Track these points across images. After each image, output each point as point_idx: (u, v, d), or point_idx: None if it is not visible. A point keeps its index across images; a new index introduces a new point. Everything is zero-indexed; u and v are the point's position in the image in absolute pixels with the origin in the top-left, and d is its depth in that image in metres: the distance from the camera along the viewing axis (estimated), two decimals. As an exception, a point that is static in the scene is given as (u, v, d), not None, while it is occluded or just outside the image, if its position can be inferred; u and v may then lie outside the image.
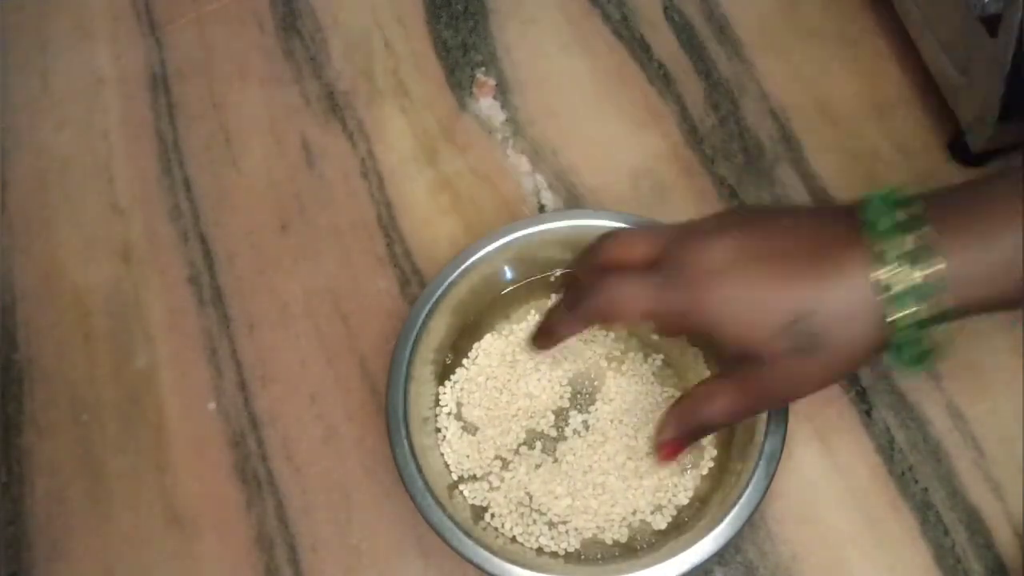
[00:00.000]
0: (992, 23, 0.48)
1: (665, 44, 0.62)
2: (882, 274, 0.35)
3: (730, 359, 0.39)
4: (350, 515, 0.51)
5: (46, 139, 0.63)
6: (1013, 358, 0.50)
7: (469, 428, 0.50)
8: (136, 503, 0.52)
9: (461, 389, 0.51)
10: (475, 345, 0.52)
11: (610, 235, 0.43)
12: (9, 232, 0.60)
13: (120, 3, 0.67)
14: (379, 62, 0.63)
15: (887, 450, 0.50)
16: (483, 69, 0.62)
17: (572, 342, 0.50)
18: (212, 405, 0.54)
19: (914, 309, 0.35)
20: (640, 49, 0.62)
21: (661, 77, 0.61)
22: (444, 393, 0.51)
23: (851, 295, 0.35)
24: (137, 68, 0.65)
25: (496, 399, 0.50)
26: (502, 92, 0.61)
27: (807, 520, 0.49)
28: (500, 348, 0.52)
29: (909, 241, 0.35)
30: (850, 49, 0.60)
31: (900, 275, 0.35)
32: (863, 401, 0.51)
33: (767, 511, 0.49)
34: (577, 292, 0.43)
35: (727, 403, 0.40)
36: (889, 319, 0.35)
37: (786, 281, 0.36)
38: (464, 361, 0.51)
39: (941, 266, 0.35)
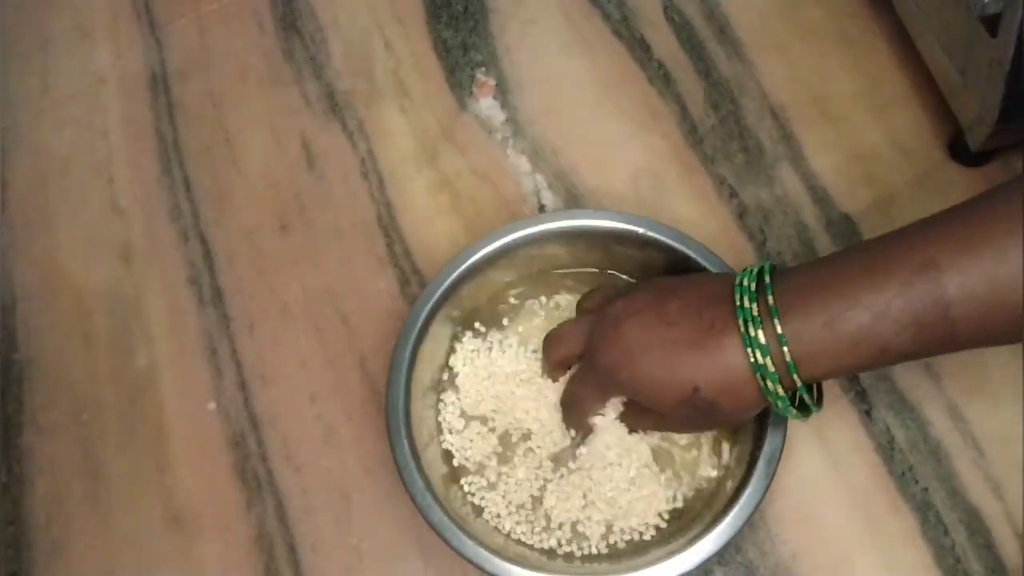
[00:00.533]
0: (992, 23, 0.48)
1: (665, 44, 0.62)
2: (748, 349, 0.40)
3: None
4: (350, 515, 0.51)
5: (46, 139, 0.63)
6: (1013, 358, 0.50)
7: (470, 424, 0.50)
8: (136, 503, 0.52)
9: (462, 386, 0.51)
10: (476, 343, 0.52)
11: (549, 337, 0.50)
12: (9, 232, 0.60)
13: (120, 3, 0.67)
14: (379, 62, 0.63)
15: (887, 450, 0.50)
16: (483, 69, 0.62)
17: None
18: (212, 405, 0.54)
19: (772, 370, 0.40)
20: (640, 49, 0.62)
21: (661, 77, 0.61)
22: (445, 390, 0.51)
23: (730, 368, 0.41)
24: (137, 68, 0.64)
25: (496, 397, 0.50)
26: (502, 92, 0.61)
27: (807, 520, 0.49)
28: (500, 345, 0.52)
29: (754, 308, 0.41)
30: (850, 49, 0.60)
31: (755, 341, 0.40)
32: (863, 401, 0.51)
33: (767, 511, 0.49)
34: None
35: (649, 425, 0.48)
36: (761, 387, 0.41)
37: (678, 364, 0.42)
38: (465, 359, 0.51)
39: (777, 328, 0.40)
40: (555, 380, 0.50)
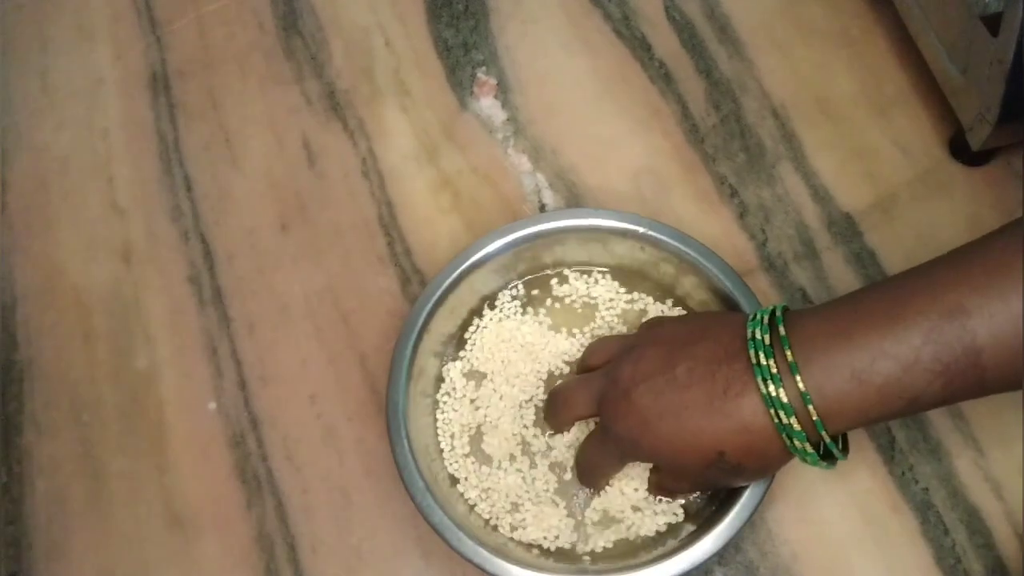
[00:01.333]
0: (993, 22, 0.48)
1: (666, 43, 0.62)
2: (770, 410, 0.39)
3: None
4: (350, 515, 0.51)
5: (46, 139, 0.63)
6: (1014, 358, 0.50)
7: (478, 383, 0.50)
8: (136, 503, 0.52)
9: (462, 378, 0.51)
10: (476, 339, 0.52)
11: (551, 398, 0.49)
12: (9, 232, 0.60)
13: (120, 3, 0.67)
14: (380, 61, 0.63)
15: (887, 450, 0.50)
16: (484, 68, 0.62)
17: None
18: (212, 405, 0.54)
19: (798, 429, 0.39)
20: (641, 48, 0.62)
21: (662, 76, 0.61)
22: (446, 380, 0.51)
23: (752, 431, 0.40)
24: (137, 68, 0.64)
25: (496, 390, 0.51)
26: (503, 91, 0.61)
27: (807, 520, 0.49)
28: (502, 338, 0.52)
29: (772, 365, 0.39)
30: (851, 48, 0.60)
31: (777, 401, 0.39)
32: (864, 401, 0.51)
33: (767, 511, 0.49)
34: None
35: (677, 491, 0.48)
36: (787, 445, 0.40)
37: (698, 431, 0.41)
38: (464, 353, 0.52)
39: (800, 385, 0.38)
40: (560, 433, 0.50)
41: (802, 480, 0.49)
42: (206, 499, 0.52)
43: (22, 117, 0.64)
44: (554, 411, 0.49)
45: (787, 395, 0.38)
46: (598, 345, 0.49)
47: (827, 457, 0.41)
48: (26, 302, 0.58)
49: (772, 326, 0.40)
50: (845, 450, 0.41)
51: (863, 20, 0.61)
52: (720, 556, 0.47)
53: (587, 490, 0.49)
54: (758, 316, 0.41)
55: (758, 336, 0.40)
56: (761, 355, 0.39)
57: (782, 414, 0.39)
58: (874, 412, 0.38)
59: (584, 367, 0.49)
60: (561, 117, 0.60)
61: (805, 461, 0.41)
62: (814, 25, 0.61)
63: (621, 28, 0.63)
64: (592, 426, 0.49)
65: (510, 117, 0.60)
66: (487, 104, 0.61)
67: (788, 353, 0.39)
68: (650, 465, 0.48)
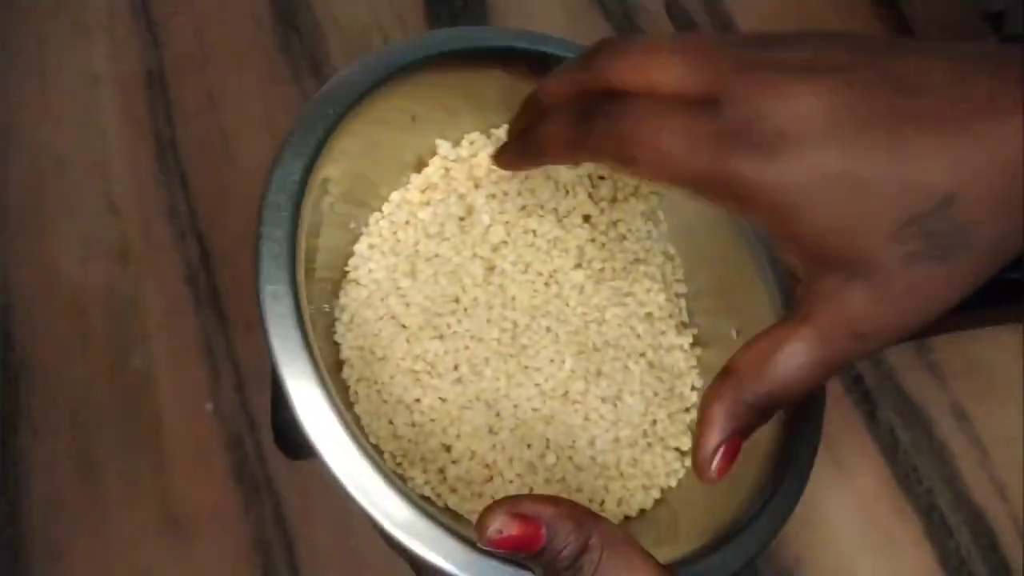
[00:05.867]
0: (997, 20, 0.47)
1: (667, 41, 0.61)
2: None
3: (808, 269, 0.28)
4: (349, 517, 0.50)
5: (42, 137, 0.62)
6: (1017, 359, 0.50)
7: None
8: (133, 504, 0.51)
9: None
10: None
11: (627, 41, 0.29)
12: (6, 231, 0.59)
13: (118, 0, 0.67)
14: (378, 59, 0.63)
15: (891, 451, 0.49)
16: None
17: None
18: (209, 406, 0.53)
19: None
20: (641, 46, 0.61)
21: (663, 74, 0.60)
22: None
23: (1016, 168, 0.24)
24: (134, 66, 0.64)
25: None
26: (502, 90, 0.61)
27: (810, 522, 0.48)
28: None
29: None
30: (853, 46, 0.60)
31: None
32: (867, 402, 0.50)
33: (770, 513, 0.48)
34: (589, 108, 0.29)
35: (810, 359, 0.27)
36: None
37: (922, 152, 0.25)
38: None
39: None
40: (509, 166, 0.34)
41: (805, 482, 0.49)
42: (203, 501, 0.51)
43: (18, 115, 0.63)
44: (593, 57, 0.30)
45: None
46: (661, 46, 0.28)
47: None
48: (22, 302, 0.57)
49: None
50: None
51: (866, 19, 0.61)
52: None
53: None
54: None
55: None
56: None
57: None
58: None
59: (599, 86, 0.29)
60: (561, 116, 0.60)
61: None
62: (816, 23, 0.61)
63: (622, 25, 0.62)
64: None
65: (510, 116, 0.60)
66: (487, 102, 0.61)
67: None
68: None
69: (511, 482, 0.36)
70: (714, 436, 0.28)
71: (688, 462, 0.39)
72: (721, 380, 0.29)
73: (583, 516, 0.27)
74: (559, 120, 0.31)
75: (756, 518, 0.34)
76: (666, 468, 0.39)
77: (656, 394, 0.40)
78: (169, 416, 0.53)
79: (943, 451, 0.49)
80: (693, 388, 0.41)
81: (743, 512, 0.34)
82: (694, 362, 0.42)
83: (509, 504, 0.27)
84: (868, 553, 0.47)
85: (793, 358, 0.27)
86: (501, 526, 0.27)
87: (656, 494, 0.39)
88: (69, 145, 0.62)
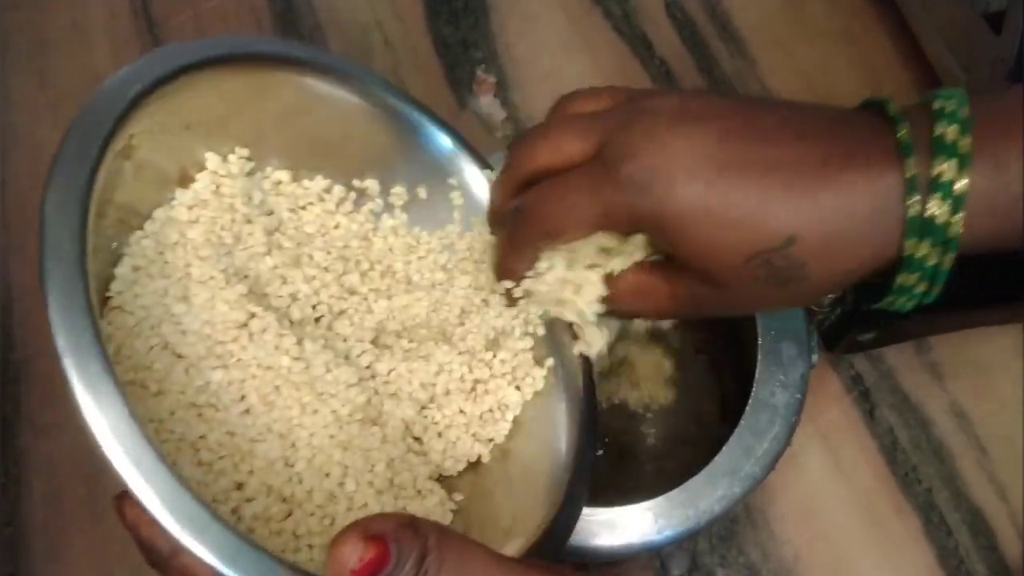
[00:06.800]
0: (996, 20, 0.48)
1: (667, 41, 0.61)
2: (909, 190, 0.29)
3: (683, 267, 0.33)
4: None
5: (44, 137, 0.62)
6: (1016, 358, 0.50)
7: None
8: (134, 504, 0.51)
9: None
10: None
11: (527, 134, 0.34)
12: (6, 231, 0.59)
13: (118, 1, 0.67)
14: (378, 59, 0.63)
15: (890, 450, 0.49)
16: (483, 66, 0.62)
17: None
18: (210, 405, 0.53)
19: (942, 224, 0.29)
20: (642, 46, 0.61)
21: (663, 74, 0.60)
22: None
23: (853, 215, 0.29)
24: (135, 66, 0.64)
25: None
26: (503, 89, 0.61)
27: (810, 520, 0.48)
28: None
29: (961, 145, 0.29)
30: (854, 47, 0.60)
31: (945, 182, 0.29)
32: (866, 401, 0.50)
33: (769, 511, 0.48)
34: (510, 217, 0.35)
35: (659, 307, 0.34)
36: (907, 247, 0.30)
37: (773, 199, 0.29)
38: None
39: (964, 182, 0.29)
40: (502, 216, 0.36)
41: (805, 480, 0.49)
42: (204, 500, 0.51)
43: (20, 115, 0.63)
44: (519, 155, 0.34)
45: (944, 178, 0.29)
46: (543, 138, 0.34)
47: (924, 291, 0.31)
48: (23, 302, 0.57)
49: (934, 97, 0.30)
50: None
51: (865, 18, 0.61)
52: (722, 557, 0.47)
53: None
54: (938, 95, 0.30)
55: (947, 108, 0.29)
56: (944, 127, 0.29)
57: (936, 201, 0.29)
58: (1005, 222, 0.29)
59: (526, 179, 0.35)
60: (561, 115, 0.60)
61: (906, 288, 0.31)
62: (816, 23, 0.61)
63: (622, 26, 0.62)
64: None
65: (510, 116, 0.60)
66: (487, 102, 0.61)
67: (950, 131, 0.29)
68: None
69: (312, 515, 0.34)
70: None
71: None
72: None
73: (416, 522, 0.28)
74: (499, 235, 0.37)
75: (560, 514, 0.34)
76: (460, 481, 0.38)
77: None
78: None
79: (942, 450, 0.49)
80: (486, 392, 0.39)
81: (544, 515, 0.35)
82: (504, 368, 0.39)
83: (358, 529, 0.27)
84: (867, 551, 0.47)
85: (647, 300, 0.34)
86: (360, 553, 0.27)
87: (452, 506, 0.37)
88: (70, 145, 0.62)
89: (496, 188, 0.37)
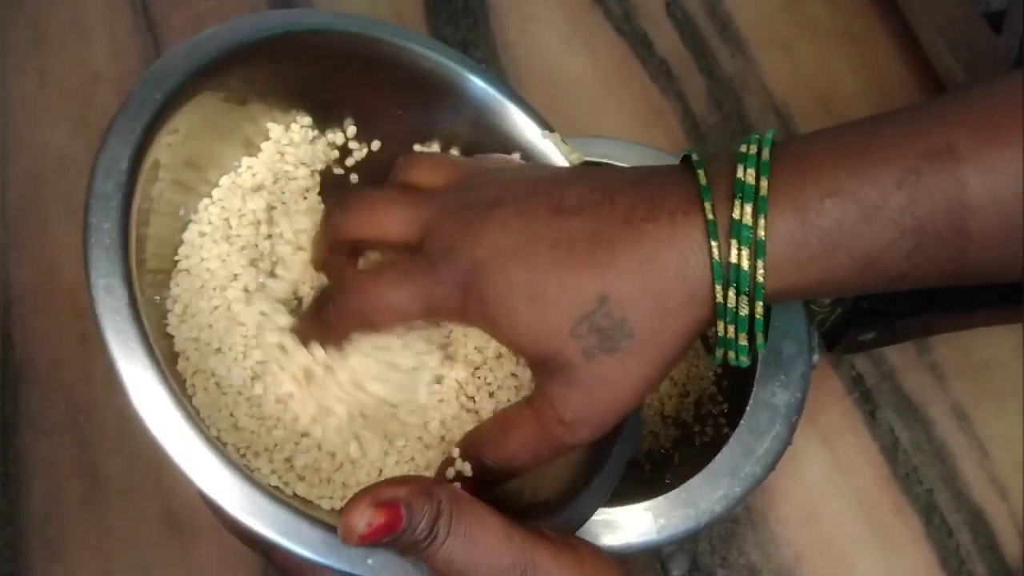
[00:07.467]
0: (996, 20, 0.47)
1: (667, 41, 0.61)
2: (709, 234, 0.29)
3: (529, 367, 0.34)
4: (349, 516, 0.50)
5: (43, 137, 0.62)
6: (1017, 358, 0.50)
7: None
8: (133, 504, 0.51)
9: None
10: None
11: (351, 202, 0.35)
12: (6, 231, 0.59)
13: (118, 1, 0.67)
14: (378, 59, 0.63)
15: (891, 451, 0.49)
16: (483, 66, 0.62)
17: None
18: (210, 405, 0.53)
19: (747, 270, 0.29)
20: (642, 46, 0.61)
21: (663, 74, 0.60)
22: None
23: (656, 263, 0.29)
24: (135, 66, 0.64)
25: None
26: (502, 89, 0.61)
27: (811, 521, 0.48)
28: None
29: (754, 180, 0.29)
30: (854, 47, 0.60)
31: (741, 223, 0.29)
32: (867, 402, 0.50)
33: (770, 512, 0.48)
34: (322, 296, 0.35)
35: (531, 439, 0.32)
36: (717, 296, 0.29)
37: (577, 266, 0.30)
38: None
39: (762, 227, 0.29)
40: (319, 268, 0.36)
41: (806, 481, 0.49)
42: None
43: (19, 115, 0.63)
44: (340, 221, 0.35)
45: (743, 222, 0.29)
46: (370, 210, 0.34)
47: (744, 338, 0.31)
48: (22, 302, 0.57)
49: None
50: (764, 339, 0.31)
51: (866, 18, 0.61)
52: (723, 558, 0.47)
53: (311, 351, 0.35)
54: (750, 139, 0.31)
55: (749, 151, 0.30)
56: (743, 170, 0.29)
57: (735, 246, 0.29)
58: (812, 270, 0.29)
59: (343, 244, 0.36)
60: (561, 115, 0.60)
61: (723, 337, 0.30)
62: (817, 23, 0.61)
63: (622, 25, 0.62)
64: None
65: (510, 115, 0.60)
66: (487, 102, 0.61)
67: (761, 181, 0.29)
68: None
69: (361, 467, 0.35)
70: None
71: None
72: (468, 442, 0.34)
73: (430, 485, 0.29)
74: (310, 315, 0.36)
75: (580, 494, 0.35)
76: None
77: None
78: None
79: (943, 451, 0.49)
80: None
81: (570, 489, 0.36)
82: None
83: (369, 496, 0.28)
84: (868, 552, 0.47)
85: (517, 437, 0.32)
86: (369, 519, 0.28)
87: None
88: (70, 145, 0.62)
89: (318, 244, 0.37)
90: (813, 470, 0.49)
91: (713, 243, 0.29)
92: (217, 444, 0.30)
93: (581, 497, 0.35)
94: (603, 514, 0.40)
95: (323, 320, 0.34)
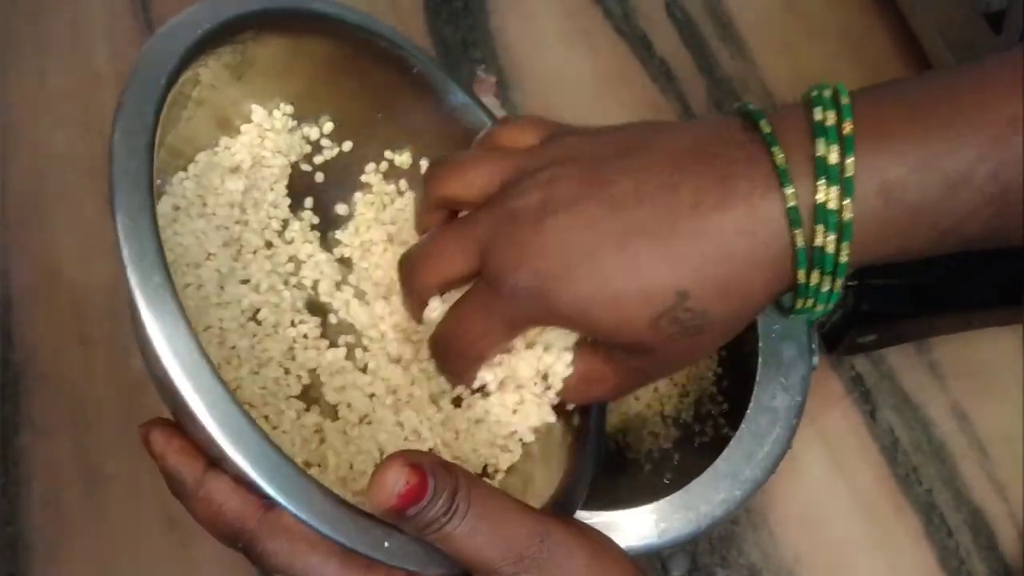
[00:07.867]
0: (996, 20, 0.47)
1: (667, 41, 0.61)
2: (791, 217, 0.29)
3: (607, 345, 0.34)
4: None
5: (43, 138, 0.62)
6: (1017, 359, 0.50)
7: None
8: (133, 505, 0.51)
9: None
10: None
11: (407, 263, 0.36)
12: (6, 231, 0.59)
13: (118, 1, 0.67)
14: (378, 59, 0.63)
15: (891, 451, 0.49)
16: (483, 66, 0.62)
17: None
18: (210, 406, 0.53)
19: (831, 249, 0.28)
20: (642, 46, 0.61)
21: (663, 74, 0.60)
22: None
23: (732, 255, 0.29)
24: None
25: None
26: (503, 89, 0.61)
27: (810, 522, 0.48)
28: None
29: (833, 154, 0.28)
30: (854, 47, 0.60)
31: (823, 206, 0.28)
32: (867, 402, 0.50)
33: (770, 512, 0.48)
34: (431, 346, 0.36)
35: (608, 389, 0.34)
36: (796, 271, 0.29)
37: (649, 263, 0.30)
38: None
39: (849, 213, 0.28)
40: (420, 321, 0.36)
41: (805, 481, 0.49)
42: (204, 501, 0.51)
43: (19, 116, 0.63)
44: (411, 278, 0.35)
45: (823, 201, 0.28)
46: (455, 169, 0.35)
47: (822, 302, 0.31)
48: (22, 302, 0.57)
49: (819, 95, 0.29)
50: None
51: (866, 18, 0.61)
52: (723, 558, 0.47)
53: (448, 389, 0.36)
54: (817, 94, 0.29)
55: (827, 121, 0.28)
56: (821, 144, 0.28)
57: (821, 231, 0.28)
58: (894, 242, 0.29)
59: (438, 204, 0.36)
60: (561, 115, 0.59)
61: (806, 303, 0.31)
62: (817, 23, 0.61)
63: (622, 26, 0.62)
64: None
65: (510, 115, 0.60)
66: (487, 102, 0.60)
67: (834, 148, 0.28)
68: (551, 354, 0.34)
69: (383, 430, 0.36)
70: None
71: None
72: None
73: (447, 463, 0.29)
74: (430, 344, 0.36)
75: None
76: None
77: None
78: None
79: (943, 451, 0.49)
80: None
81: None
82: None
83: (402, 457, 0.28)
84: (867, 552, 0.47)
85: (598, 389, 0.34)
86: (406, 477, 0.28)
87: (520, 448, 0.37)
88: (70, 145, 0.62)
89: (406, 302, 0.37)
90: (813, 470, 0.49)
91: (797, 231, 0.28)
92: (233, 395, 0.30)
93: (571, 477, 0.35)
94: (604, 516, 0.40)
95: (443, 368, 0.36)
